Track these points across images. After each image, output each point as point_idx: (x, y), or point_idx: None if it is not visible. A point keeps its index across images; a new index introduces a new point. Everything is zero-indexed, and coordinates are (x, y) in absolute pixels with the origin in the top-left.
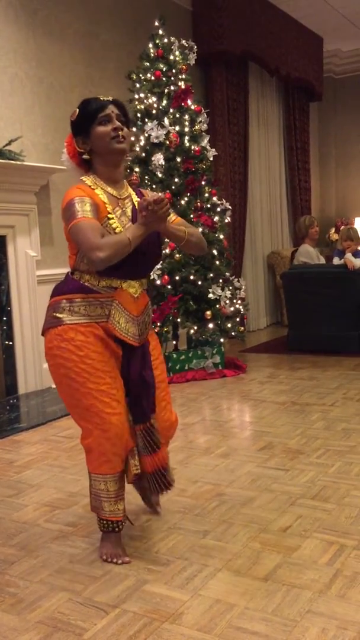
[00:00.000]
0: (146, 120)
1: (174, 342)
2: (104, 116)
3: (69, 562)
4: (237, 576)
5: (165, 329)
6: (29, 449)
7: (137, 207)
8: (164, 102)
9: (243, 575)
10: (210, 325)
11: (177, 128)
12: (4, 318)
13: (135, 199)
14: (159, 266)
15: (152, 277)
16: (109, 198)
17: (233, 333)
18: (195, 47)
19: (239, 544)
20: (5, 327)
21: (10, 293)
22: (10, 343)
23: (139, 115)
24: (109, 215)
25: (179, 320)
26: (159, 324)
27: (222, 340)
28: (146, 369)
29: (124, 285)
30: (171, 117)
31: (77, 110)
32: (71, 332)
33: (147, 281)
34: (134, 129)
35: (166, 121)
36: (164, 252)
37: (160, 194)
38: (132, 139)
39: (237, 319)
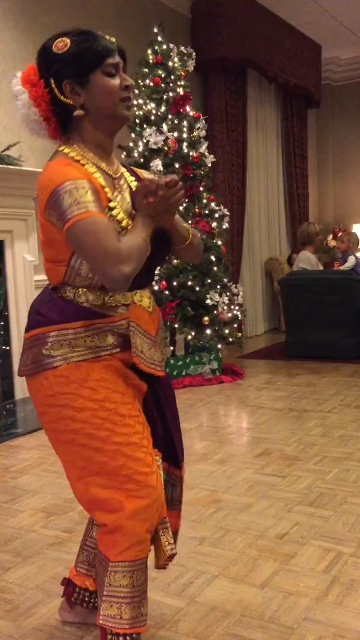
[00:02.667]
0: (145, 126)
1: (172, 348)
2: (114, 65)
3: (65, 569)
4: (233, 583)
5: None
6: (25, 455)
7: (134, 189)
8: (163, 109)
9: (240, 582)
10: (208, 331)
11: (176, 134)
12: (1, 323)
13: (130, 177)
14: (156, 272)
15: None
16: (105, 178)
17: (230, 339)
18: (194, 53)
19: (235, 550)
20: (2, 332)
21: (7, 298)
22: (7, 348)
23: (137, 121)
24: (111, 204)
25: (176, 326)
26: None
27: (219, 346)
28: (174, 402)
29: (135, 298)
30: (170, 123)
31: (68, 41)
32: (81, 371)
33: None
34: (133, 135)
35: (165, 127)
36: None
37: (171, 175)
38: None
39: (235, 325)
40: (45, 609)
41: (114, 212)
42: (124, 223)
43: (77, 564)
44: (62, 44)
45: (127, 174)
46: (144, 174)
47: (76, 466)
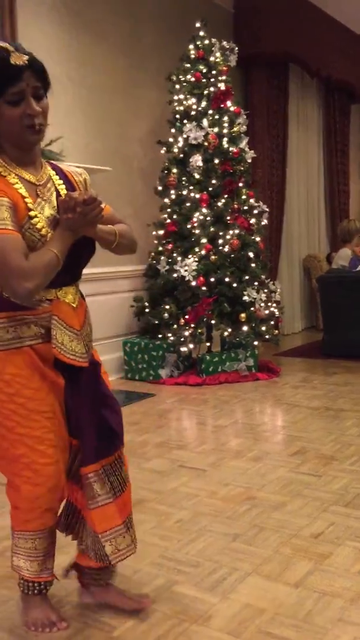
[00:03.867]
0: (185, 121)
1: (208, 344)
2: (16, 93)
3: None
4: (267, 581)
5: (200, 331)
6: None
7: (60, 193)
8: (203, 104)
9: (273, 581)
10: (245, 328)
11: (216, 129)
12: None
13: (58, 181)
14: (194, 267)
15: (187, 278)
16: (27, 188)
17: (267, 336)
18: (236, 48)
19: (269, 548)
20: None
21: None
22: None
23: (177, 116)
24: (31, 213)
25: (213, 322)
26: (192, 325)
27: (255, 343)
28: (101, 385)
29: (59, 294)
30: (210, 118)
31: None
32: None
33: (78, 284)
34: (173, 130)
35: (205, 122)
36: (200, 253)
37: (91, 191)
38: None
39: (272, 322)
40: (78, 600)
41: (34, 221)
42: (43, 231)
43: (80, 547)
44: None
45: (55, 178)
46: (72, 174)
47: None
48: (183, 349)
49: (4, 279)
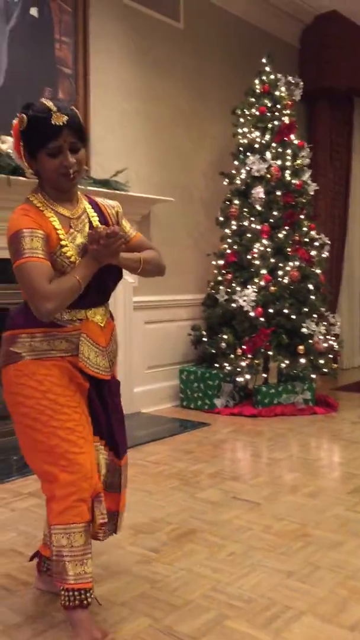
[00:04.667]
0: (248, 154)
1: (264, 375)
2: (55, 148)
3: (151, 588)
4: (322, 622)
5: (256, 362)
6: None
7: (93, 225)
8: (267, 137)
9: (328, 622)
10: (302, 360)
11: (279, 162)
12: None
13: (92, 213)
14: (253, 298)
15: (245, 309)
16: (60, 220)
17: (325, 370)
18: (301, 83)
19: (325, 588)
20: None
21: None
22: None
23: (241, 149)
24: (62, 242)
25: (270, 353)
26: (249, 355)
27: (313, 376)
28: (118, 401)
29: (88, 314)
30: (273, 151)
31: (26, 120)
32: (32, 366)
33: (108, 306)
34: (236, 162)
35: (268, 155)
36: (259, 284)
37: (114, 227)
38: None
39: (330, 356)
40: (130, 626)
41: (64, 250)
42: (72, 258)
43: (44, 536)
44: (20, 121)
45: (90, 211)
46: (105, 206)
47: (26, 443)
48: (239, 379)
49: (30, 299)
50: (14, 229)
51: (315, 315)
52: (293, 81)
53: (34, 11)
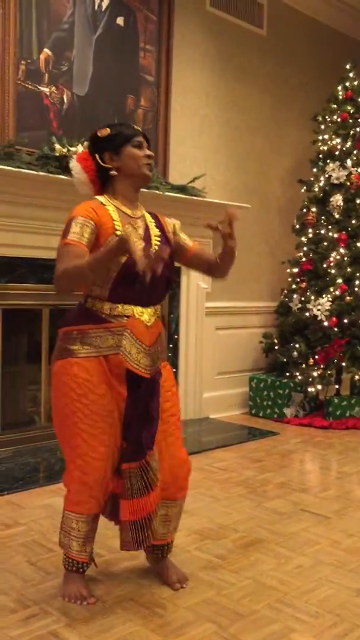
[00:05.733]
0: (328, 161)
1: (337, 387)
2: (139, 141)
3: (217, 595)
4: None
5: (329, 372)
6: None
7: (149, 228)
8: (348, 144)
9: None
10: None
11: None
12: (171, 345)
13: (149, 219)
14: (327, 307)
15: (319, 318)
16: (120, 215)
17: None
18: None
19: None
20: (170, 354)
21: (179, 322)
22: (175, 370)
23: (320, 156)
24: (117, 232)
25: (343, 364)
26: (322, 365)
27: None
28: (153, 401)
29: (136, 312)
30: (354, 158)
31: (108, 129)
32: (75, 368)
33: (159, 308)
34: (314, 170)
35: (348, 162)
36: (334, 293)
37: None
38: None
39: None
40: (195, 631)
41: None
42: None
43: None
44: (104, 131)
45: (148, 217)
46: (166, 219)
47: (58, 431)
48: (310, 389)
49: (55, 273)
50: (73, 212)
51: None
52: None
53: (120, 20)
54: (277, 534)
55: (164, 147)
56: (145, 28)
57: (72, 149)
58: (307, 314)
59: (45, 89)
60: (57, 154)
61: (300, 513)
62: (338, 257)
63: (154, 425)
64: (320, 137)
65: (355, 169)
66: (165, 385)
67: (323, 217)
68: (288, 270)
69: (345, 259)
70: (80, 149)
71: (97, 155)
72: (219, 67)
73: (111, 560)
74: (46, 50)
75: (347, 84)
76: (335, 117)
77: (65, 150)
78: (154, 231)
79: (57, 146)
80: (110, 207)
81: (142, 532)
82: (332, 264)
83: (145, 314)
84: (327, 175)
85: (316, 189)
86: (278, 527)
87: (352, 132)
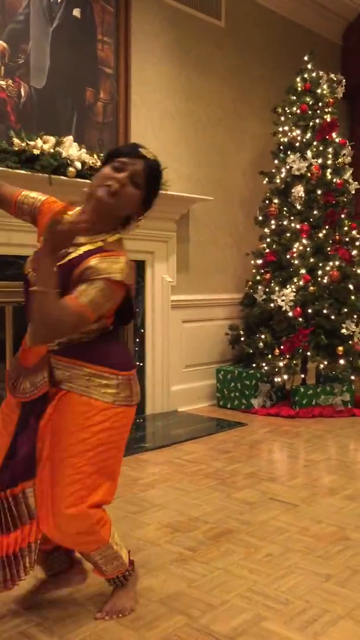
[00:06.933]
0: (288, 152)
1: (302, 376)
2: (120, 162)
3: (188, 587)
4: None
5: (295, 362)
6: (153, 469)
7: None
8: (308, 135)
9: None
10: (342, 362)
11: (320, 161)
12: (137, 340)
13: (81, 250)
14: (291, 298)
15: (284, 309)
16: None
17: None
18: (344, 80)
19: None
20: (137, 349)
21: (145, 316)
22: (141, 364)
23: (281, 147)
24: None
25: (308, 353)
26: (287, 355)
27: (352, 377)
28: (23, 434)
29: (29, 331)
30: (314, 149)
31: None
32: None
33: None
34: (276, 161)
35: (309, 154)
36: (298, 284)
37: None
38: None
39: None
40: (166, 624)
41: None
42: None
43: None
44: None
45: (87, 248)
46: (91, 259)
47: None
48: (277, 379)
49: None
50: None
51: (355, 316)
52: (335, 79)
53: (76, 12)
54: (247, 524)
55: (124, 140)
56: (103, 19)
57: (31, 142)
58: (271, 304)
59: (2, 82)
60: (16, 149)
61: (269, 502)
62: (301, 247)
63: (16, 462)
64: (280, 129)
65: (316, 160)
66: (52, 419)
67: (285, 209)
68: (252, 262)
69: (308, 249)
70: (39, 143)
71: None
72: (178, 59)
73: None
74: (1, 42)
75: (306, 75)
76: (294, 108)
77: (24, 144)
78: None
79: (16, 140)
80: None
81: (3, 571)
82: (295, 255)
83: (28, 335)
84: (288, 167)
85: (277, 181)
86: (247, 517)
87: (311, 124)
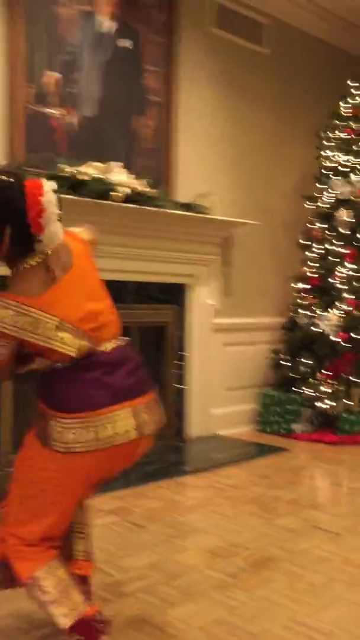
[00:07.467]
0: (332, 176)
1: (345, 402)
2: None
3: (229, 615)
4: None
5: (338, 387)
6: (194, 493)
7: None
8: (353, 159)
9: None
10: None
11: None
12: (179, 362)
13: None
14: (335, 322)
15: (327, 333)
16: None
17: None
18: None
19: None
20: (180, 372)
21: (186, 339)
22: (183, 387)
23: (324, 172)
24: None
25: (352, 378)
26: (331, 381)
27: None
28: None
29: None
30: (359, 173)
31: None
32: None
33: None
34: (319, 185)
35: (353, 177)
36: (342, 308)
37: None
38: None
39: None
40: None
41: None
42: None
43: None
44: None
45: None
46: None
47: None
48: (319, 404)
49: None
50: None
51: None
52: None
53: (125, 42)
54: (289, 552)
55: (170, 166)
56: (150, 49)
57: (79, 169)
58: (314, 329)
59: (54, 111)
60: (65, 174)
61: (311, 530)
62: (345, 271)
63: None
64: (323, 153)
65: None
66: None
67: (329, 233)
68: (293, 285)
69: (352, 273)
70: (89, 170)
71: None
72: (223, 86)
73: (122, 580)
74: (54, 73)
75: (349, 99)
76: (338, 132)
77: (75, 170)
78: None
79: (64, 167)
80: None
81: None
82: (338, 279)
83: None
84: (332, 191)
85: (321, 204)
86: (289, 545)
87: (355, 148)
